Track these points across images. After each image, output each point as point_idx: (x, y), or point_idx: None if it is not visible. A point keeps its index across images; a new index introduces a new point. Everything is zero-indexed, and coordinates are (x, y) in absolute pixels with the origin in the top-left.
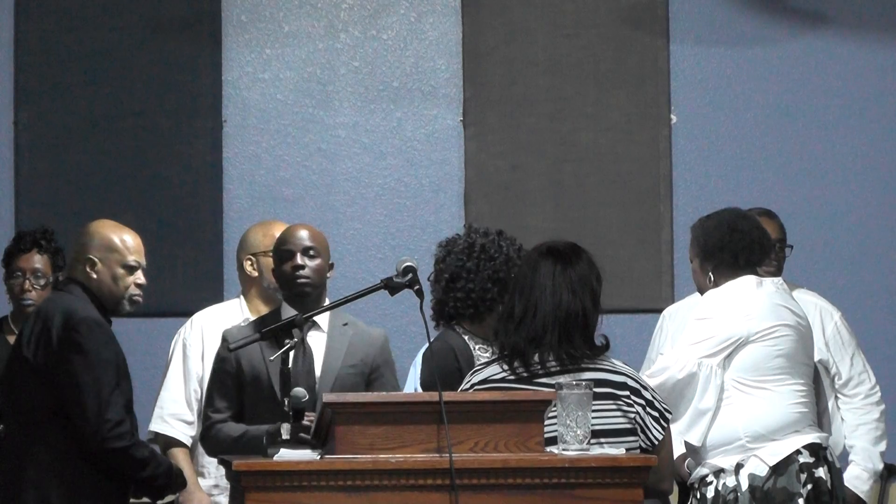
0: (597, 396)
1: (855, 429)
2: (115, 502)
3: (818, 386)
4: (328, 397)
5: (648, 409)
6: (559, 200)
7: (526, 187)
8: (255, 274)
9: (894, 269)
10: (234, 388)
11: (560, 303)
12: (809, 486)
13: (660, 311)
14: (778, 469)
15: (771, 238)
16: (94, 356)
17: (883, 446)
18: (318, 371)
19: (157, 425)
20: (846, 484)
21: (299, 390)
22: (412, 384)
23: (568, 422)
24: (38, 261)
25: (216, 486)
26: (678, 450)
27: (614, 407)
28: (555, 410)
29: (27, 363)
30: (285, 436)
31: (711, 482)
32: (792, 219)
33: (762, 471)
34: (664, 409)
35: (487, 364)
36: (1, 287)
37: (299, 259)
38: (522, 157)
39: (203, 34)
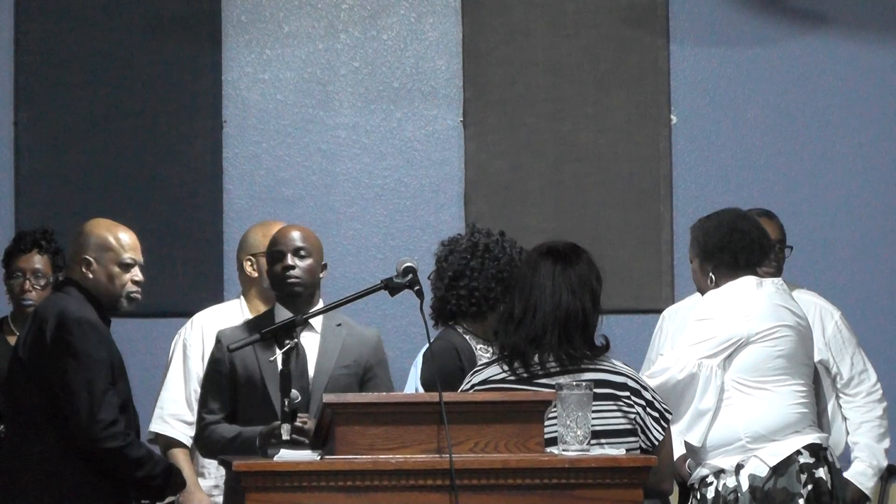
0: (597, 397)
1: (858, 426)
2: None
3: (818, 386)
4: (328, 397)
5: (649, 409)
6: (559, 200)
7: (526, 187)
8: (255, 274)
9: (894, 269)
10: (228, 389)
11: (560, 303)
12: (810, 487)
13: (660, 311)
14: (778, 469)
15: (771, 238)
16: (86, 356)
17: (887, 443)
18: (311, 372)
19: (157, 425)
20: (851, 480)
21: (293, 392)
22: (413, 384)
23: (568, 422)
24: (38, 261)
25: (216, 486)
26: (678, 450)
27: (614, 407)
28: (555, 411)
29: (23, 364)
30: (286, 436)
31: (712, 483)
32: (792, 219)
33: (762, 471)
34: (664, 409)
35: (487, 364)
36: (1, 287)
37: (290, 260)
38: (522, 157)
39: (203, 34)
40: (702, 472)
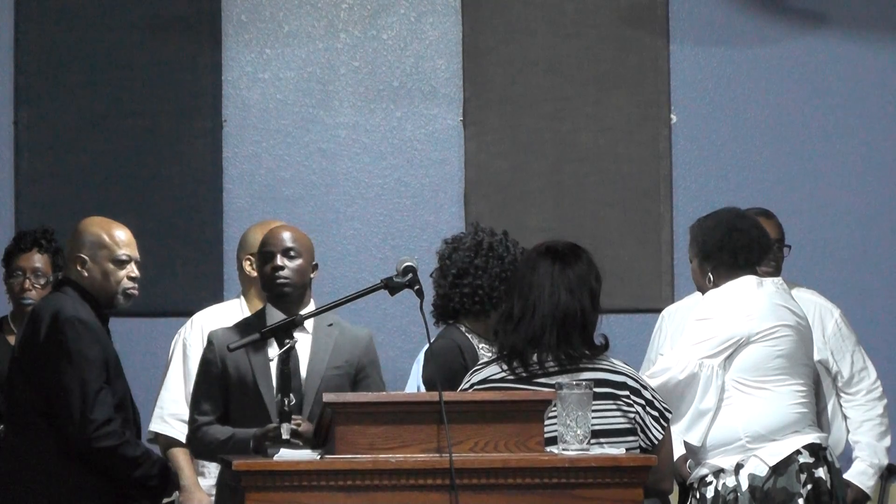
0: (596, 396)
1: (859, 425)
2: None
3: (818, 386)
4: (328, 397)
5: (648, 408)
6: (559, 200)
7: (526, 187)
8: (255, 274)
9: (894, 269)
10: (220, 390)
11: (558, 303)
12: (809, 487)
13: (660, 311)
14: (778, 469)
15: (770, 237)
16: (79, 356)
17: (888, 441)
18: (303, 373)
19: (157, 425)
20: (852, 479)
21: (280, 394)
22: (415, 382)
23: (568, 422)
24: (38, 260)
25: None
26: (679, 450)
27: (614, 407)
28: (555, 410)
29: (20, 365)
30: (285, 435)
31: (711, 482)
32: (792, 219)
33: (762, 471)
34: (664, 408)
35: (486, 364)
36: (1, 287)
37: (279, 260)
38: (522, 157)
39: (203, 34)
40: (701, 471)
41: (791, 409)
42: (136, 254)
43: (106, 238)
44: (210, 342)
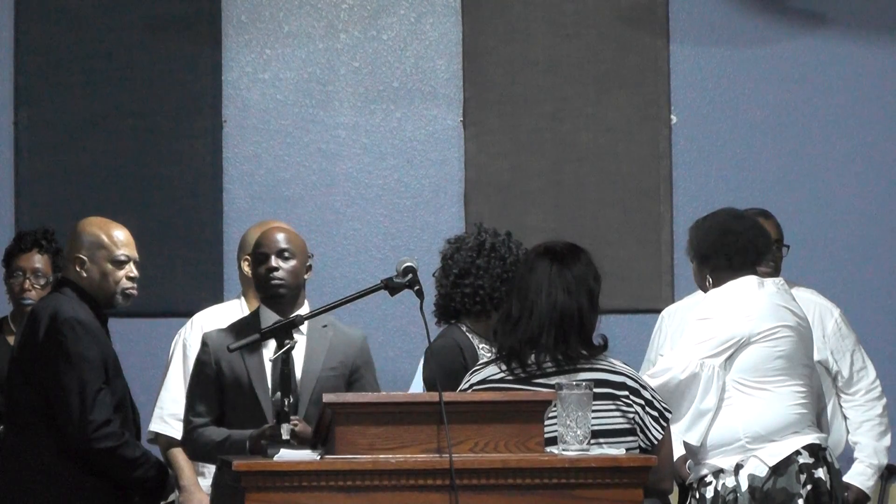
0: (595, 397)
1: (859, 426)
2: None
3: (818, 386)
4: (328, 397)
5: (648, 408)
6: (559, 200)
7: (526, 187)
8: None
9: (894, 269)
10: (215, 391)
11: (555, 304)
12: (809, 487)
13: (660, 311)
14: (777, 470)
15: (769, 237)
16: (78, 357)
17: (888, 441)
18: (298, 374)
19: (157, 425)
20: (852, 480)
21: (277, 394)
22: (419, 383)
23: (568, 422)
24: (38, 260)
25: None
26: (679, 450)
27: (613, 407)
28: (555, 411)
29: (19, 365)
30: (285, 436)
31: (711, 482)
32: (792, 219)
33: (762, 471)
34: (663, 408)
35: (486, 364)
36: (1, 287)
37: (273, 261)
38: (522, 157)
39: (203, 34)
40: (701, 471)
41: (791, 409)
42: (134, 254)
43: (105, 238)
44: (205, 343)
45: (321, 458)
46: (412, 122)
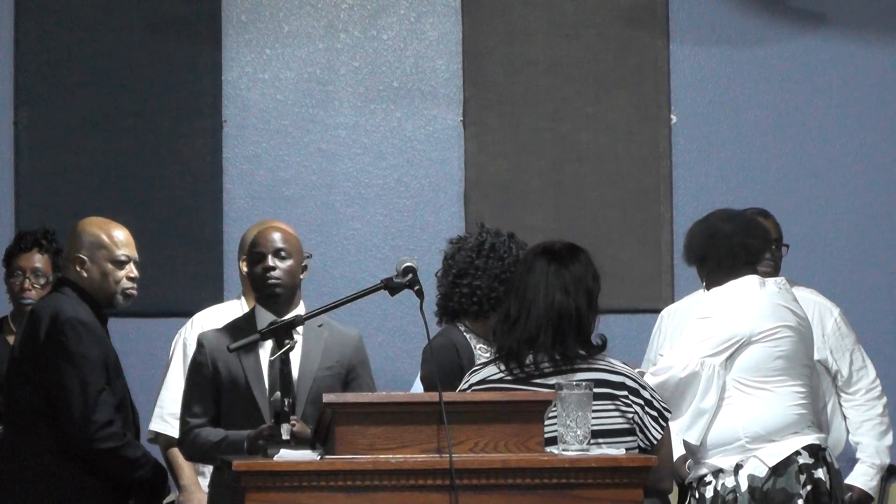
0: (594, 397)
1: (860, 426)
2: None
3: (818, 386)
4: (328, 397)
5: (647, 408)
6: (559, 200)
7: (526, 187)
8: None
9: (894, 269)
10: (211, 392)
11: (553, 303)
12: (809, 488)
13: (659, 311)
14: (777, 470)
15: (764, 237)
16: (80, 358)
17: (889, 440)
18: (295, 374)
19: (157, 425)
20: (855, 481)
21: (276, 394)
22: (419, 383)
23: (568, 422)
24: (38, 260)
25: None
26: (679, 450)
27: (612, 407)
28: (555, 410)
29: (19, 365)
30: (285, 436)
31: (710, 482)
32: (792, 219)
33: (761, 472)
34: (663, 408)
35: (485, 364)
36: (1, 287)
37: (270, 261)
38: (522, 157)
39: (203, 34)
40: (700, 470)
41: (791, 409)
42: (134, 254)
43: (105, 238)
44: (200, 344)
45: (321, 458)
46: (412, 122)
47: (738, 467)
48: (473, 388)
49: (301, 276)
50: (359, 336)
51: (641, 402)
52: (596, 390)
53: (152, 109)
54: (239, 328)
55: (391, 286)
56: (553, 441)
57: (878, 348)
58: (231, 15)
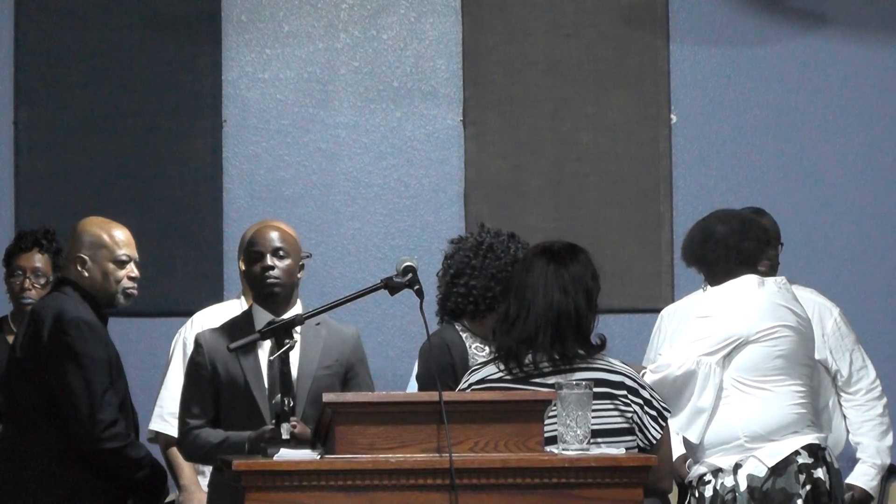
0: (594, 396)
1: (860, 426)
2: None
3: (818, 385)
4: (328, 397)
5: (646, 408)
6: (559, 200)
7: (526, 187)
8: None
9: (894, 269)
10: (210, 392)
11: (551, 303)
12: (808, 487)
13: (659, 311)
14: (777, 470)
15: (761, 238)
16: (85, 357)
17: (889, 440)
18: (294, 373)
19: (157, 424)
20: (856, 481)
21: (278, 397)
22: (414, 382)
23: (568, 421)
24: (38, 260)
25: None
26: (678, 450)
27: (611, 406)
28: (555, 410)
29: (20, 365)
30: (286, 436)
31: (710, 481)
32: (792, 219)
33: (761, 471)
34: (662, 407)
35: (484, 364)
36: (1, 287)
37: (269, 260)
38: (522, 157)
39: (203, 34)
40: (699, 470)
41: (790, 409)
42: (135, 254)
43: (106, 238)
44: (198, 344)
45: (321, 457)
46: (412, 122)
47: (737, 467)
48: (473, 387)
49: (299, 276)
50: (356, 334)
51: (640, 401)
52: (595, 390)
53: (152, 109)
54: (236, 327)
55: (391, 286)
56: (553, 440)
57: (878, 348)
58: (231, 15)
